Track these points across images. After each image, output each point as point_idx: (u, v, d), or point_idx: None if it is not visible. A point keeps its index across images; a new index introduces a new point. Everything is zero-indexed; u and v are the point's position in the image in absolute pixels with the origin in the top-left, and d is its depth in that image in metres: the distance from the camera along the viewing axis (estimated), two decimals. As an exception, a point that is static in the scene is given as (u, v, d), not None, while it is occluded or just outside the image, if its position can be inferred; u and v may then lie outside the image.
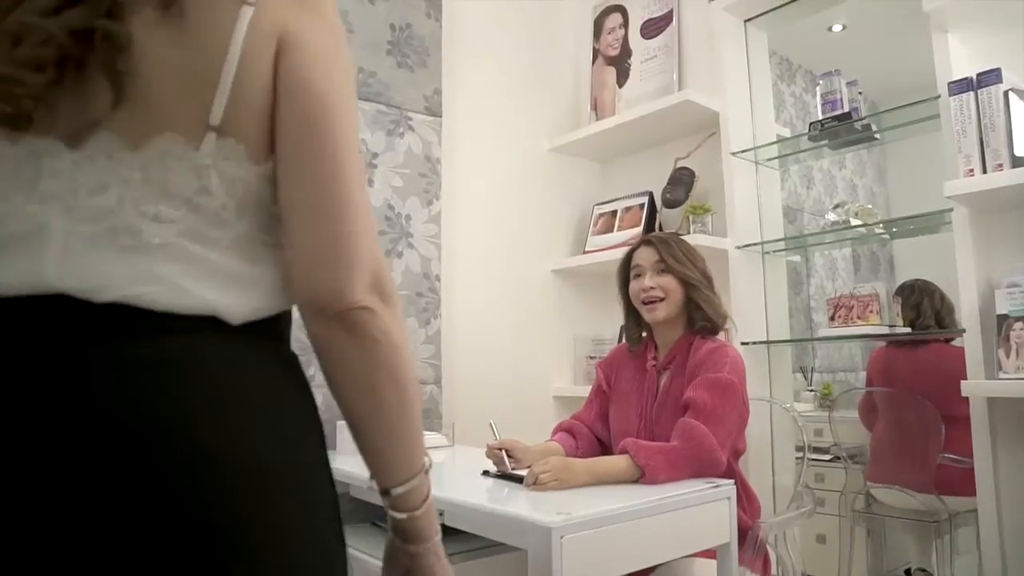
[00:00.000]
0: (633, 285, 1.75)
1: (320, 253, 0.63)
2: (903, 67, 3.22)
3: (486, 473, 1.57)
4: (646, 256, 1.74)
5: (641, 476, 1.42)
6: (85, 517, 0.51)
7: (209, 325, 0.60)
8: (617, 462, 1.45)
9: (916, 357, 2.54)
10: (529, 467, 1.44)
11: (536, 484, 1.37)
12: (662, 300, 1.69)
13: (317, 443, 0.67)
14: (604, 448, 1.80)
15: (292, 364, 0.69)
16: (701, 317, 1.68)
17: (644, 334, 1.82)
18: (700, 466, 1.47)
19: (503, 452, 1.54)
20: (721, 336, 1.74)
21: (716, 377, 1.56)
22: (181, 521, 0.53)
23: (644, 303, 1.71)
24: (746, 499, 1.64)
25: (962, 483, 2.26)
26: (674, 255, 1.71)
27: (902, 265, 4.47)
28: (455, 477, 1.71)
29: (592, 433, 1.81)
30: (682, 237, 1.83)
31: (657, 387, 1.72)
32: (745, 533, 1.60)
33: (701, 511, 1.39)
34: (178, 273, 0.59)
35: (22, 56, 0.56)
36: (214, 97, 0.60)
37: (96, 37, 0.57)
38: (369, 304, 0.65)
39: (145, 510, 0.52)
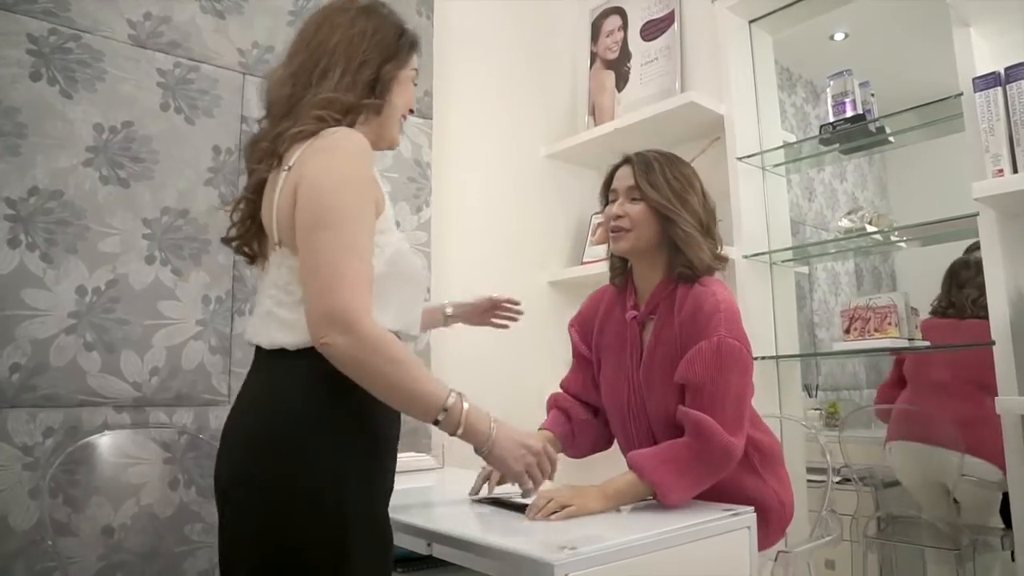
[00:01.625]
0: (606, 210, 1.52)
1: (306, 305, 1.02)
2: (909, 74, 3.14)
3: (480, 500, 1.42)
4: (622, 177, 1.49)
5: (655, 493, 1.29)
6: (244, 419, 1.09)
7: (309, 352, 1.01)
8: (630, 483, 1.30)
9: (962, 329, 2.44)
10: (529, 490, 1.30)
11: (544, 514, 1.23)
12: (628, 231, 1.45)
13: (329, 407, 1.04)
14: (601, 420, 1.61)
15: (327, 371, 1.01)
16: (682, 261, 1.42)
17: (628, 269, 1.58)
18: (713, 463, 1.30)
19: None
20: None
21: (712, 344, 1.32)
22: (255, 423, 1.06)
23: (611, 231, 1.48)
24: (771, 473, 1.48)
25: (990, 448, 2.14)
26: (652, 181, 1.43)
27: (905, 278, 4.37)
28: (444, 503, 1.56)
29: (584, 406, 1.61)
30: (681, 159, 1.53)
31: (641, 344, 1.49)
32: (768, 510, 1.44)
33: (718, 542, 1.25)
34: (274, 328, 1.08)
35: (234, 220, 1.19)
36: (273, 228, 1.09)
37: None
38: (326, 340, 0.97)
39: (252, 423, 1.07)
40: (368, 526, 1.05)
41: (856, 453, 2.73)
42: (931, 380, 2.50)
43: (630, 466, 1.32)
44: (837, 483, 2.92)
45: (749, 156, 2.28)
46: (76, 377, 1.61)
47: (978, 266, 2.39)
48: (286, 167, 1.06)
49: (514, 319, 1.68)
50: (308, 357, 1.02)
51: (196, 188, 1.83)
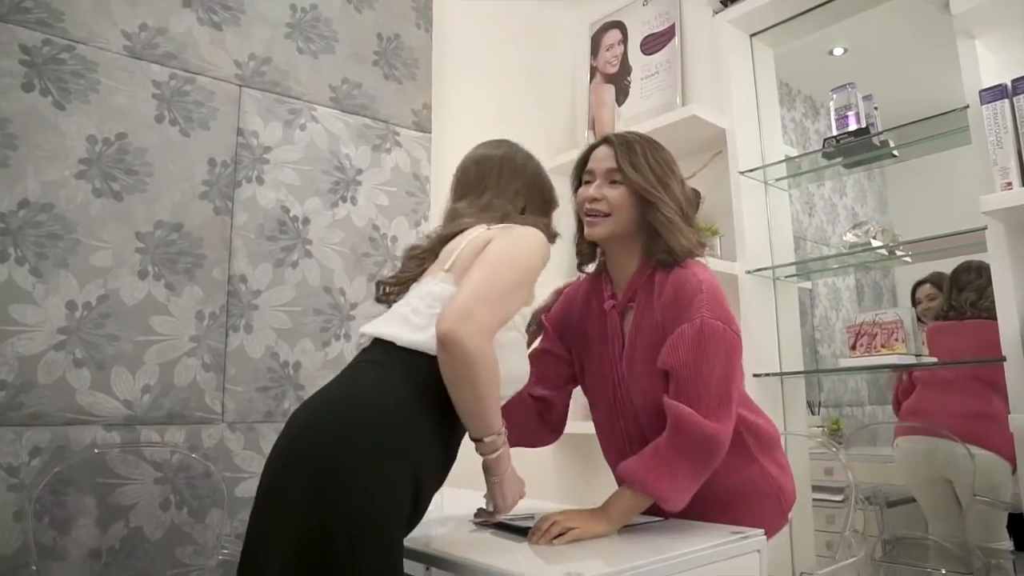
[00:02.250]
0: (580, 192, 1.42)
1: (456, 296, 1.13)
2: (908, 90, 3.12)
3: (481, 522, 1.38)
4: (601, 159, 1.40)
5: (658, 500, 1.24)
6: (324, 410, 1.14)
7: (414, 354, 1.15)
8: (629, 499, 1.25)
9: (964, 329, 2.49)
10: (532, 516, 1.26)
11: (547, 538, 1.18)
12: (606, 216, 1.36)
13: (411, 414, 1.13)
14: (544, 416, 1.52)
15: (420, 377, 1.13)
16: (661, 248, 1.35)
17: (601, 258, 1.50)
18: (700, 456, 1.24)
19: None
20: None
21: (694, 327, 1.26)
22: (333, 421, 1.10)
23: (586, 215, 1.39)
24: (768, 458, 1.42)
25: (999, 440, 2.21)
26: (634, 163, 1.35)
27: (905, 293, 4.33)
28: (442, 524, 1.51)
29: (530, 399, 1.51)
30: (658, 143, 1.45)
31: (622, 333, 1.41)
32: (766, 498, 1.40)
33: (728, 567, 1.20)
34: (396, 323, 1.21)
35: (410, 267, 1.36)
36: (451, 258, 1.23)
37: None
38: (455, 328, 1.07)
39: (331, 415, 1.12)
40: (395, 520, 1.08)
41: (860, 471, 2.69)
42: (938, 379, 2.55)
43: (622, 480, 1.27)
44: (840, 502, 2.89)
45: (751, 170, 2.26)
46: (65, 394, 1.57)
47: (979, 270, 2.53)
48: (487, 227, 1.27)
49: None
50: (413, 356, 1.14)
51: (191, 201, 1.79)
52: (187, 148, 1.80)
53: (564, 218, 1.50)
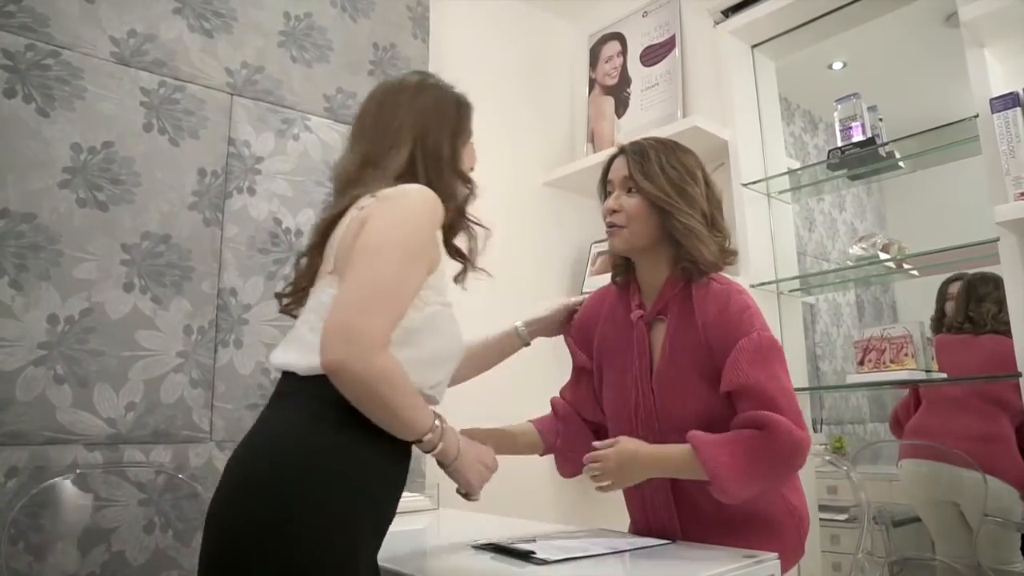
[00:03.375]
0: (605, 204, 1.40)
1: (329, 317, 0.99)
2: (908, 104, 3.10)
3: (480, 546, 1.31)
4: (617, 168, 1.38)
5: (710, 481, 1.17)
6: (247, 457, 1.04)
7: (320, 380, 0.98)
8: (680, 459, 1.21)
9: (978, 344, 2.43)
10: (533, 539, 1.19)
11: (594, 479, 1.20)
12: (623, 228, 1.34)
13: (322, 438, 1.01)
14: (597, 435, 1.45)
15: (333, 399, 0.98)
16: (684, 255, 1.31)
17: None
18: (782, 459, 1.19)
19: None
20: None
21: (752, 341, 1.22)
22: (253, 462, 1.02)
23: (607, 227, 1.37)
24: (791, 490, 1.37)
25: (1006, 465, 2.22)
26: (647, 171, 1.31)
27: (905, 307, 4.30)
28: (439, 549, 1.45)
29: (578, 416, 1.49)
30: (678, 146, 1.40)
31: (650, 346, 1.35)
32: (781, 524, 1.33)
33: (741, 593, 1.14)
34: (294, 349, 1.08)
35: (299, 270, 1.20)
36: (331, 256, 1.09)
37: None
38: (337, 358, 0.94)
39: (249, 459, 1.03)
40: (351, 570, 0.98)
41: (867, 490, 2.64)
42: (945, 396, 2.48)
43: (688, 443, 1.20)
44: (845, 521, 2.82)
45: (754, 182, 2.22)
46: (44, 412, 1.50)
47: (996, 281, 2.43)
48: (358, 208, 1.09)
49: None
50: (316, 382, 0.98)
51: (179, 212, 1.74)
52: (176, 158, 1.75)
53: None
